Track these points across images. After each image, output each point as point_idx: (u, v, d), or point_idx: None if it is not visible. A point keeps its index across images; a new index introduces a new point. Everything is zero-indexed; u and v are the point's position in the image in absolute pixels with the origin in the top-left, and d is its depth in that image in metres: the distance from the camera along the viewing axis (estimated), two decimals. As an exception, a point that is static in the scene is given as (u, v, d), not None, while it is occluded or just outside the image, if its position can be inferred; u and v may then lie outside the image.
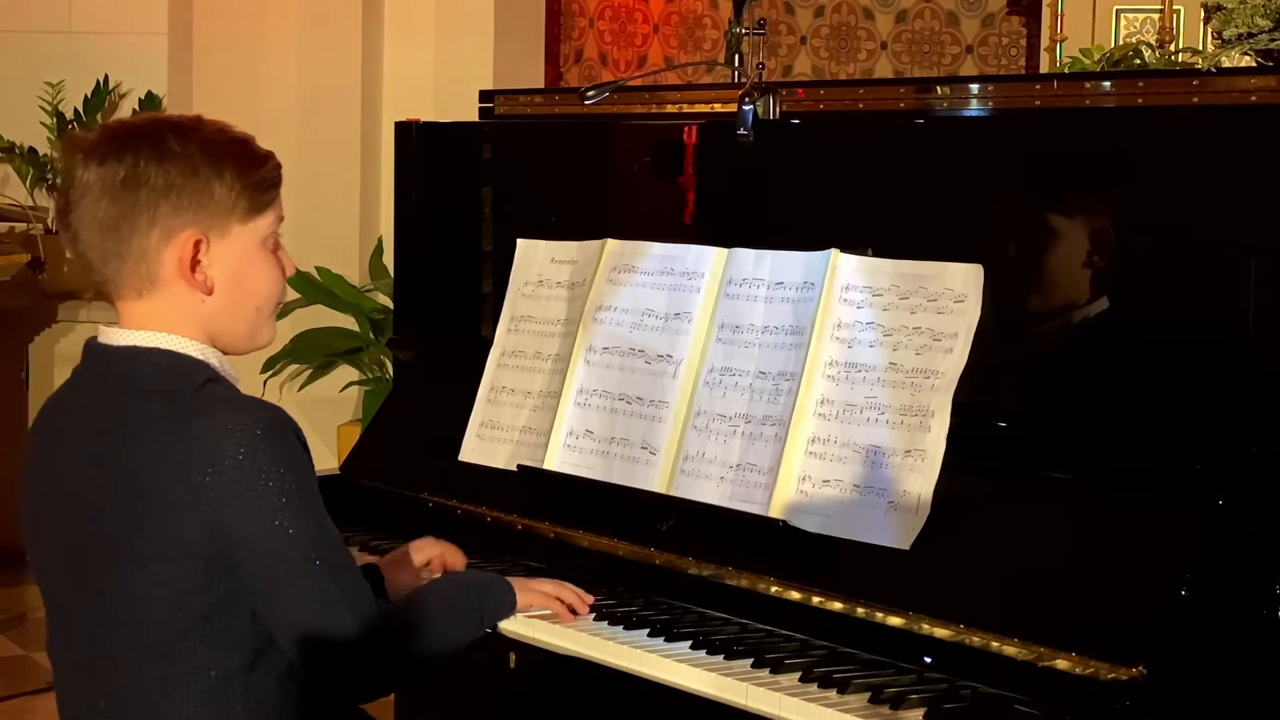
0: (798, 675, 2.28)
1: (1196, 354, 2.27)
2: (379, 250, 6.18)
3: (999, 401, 2.46)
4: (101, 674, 2.17)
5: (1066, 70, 4.25)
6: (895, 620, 2.32)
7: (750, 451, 2.60)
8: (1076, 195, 2.43)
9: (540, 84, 6.63)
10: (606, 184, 3.12)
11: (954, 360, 2.42)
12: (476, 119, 3.43)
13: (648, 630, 2.47)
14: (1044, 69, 6.15)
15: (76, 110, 6.08)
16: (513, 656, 2.63)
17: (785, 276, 2.65)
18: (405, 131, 3.39)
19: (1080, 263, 2.42)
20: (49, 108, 6.05)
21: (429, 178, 3.37)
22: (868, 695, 2.21)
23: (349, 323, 6.01)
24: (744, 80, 2.91)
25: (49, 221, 6.11)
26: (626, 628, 2.49)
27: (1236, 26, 2.94)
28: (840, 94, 2.89)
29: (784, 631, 2.44)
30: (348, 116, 6.30)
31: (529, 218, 3.13)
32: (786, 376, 2.59)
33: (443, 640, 2.36)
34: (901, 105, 2.77)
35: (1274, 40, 2.90)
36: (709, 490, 2.62)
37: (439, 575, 2.68)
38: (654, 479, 2.70)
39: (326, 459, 4.83)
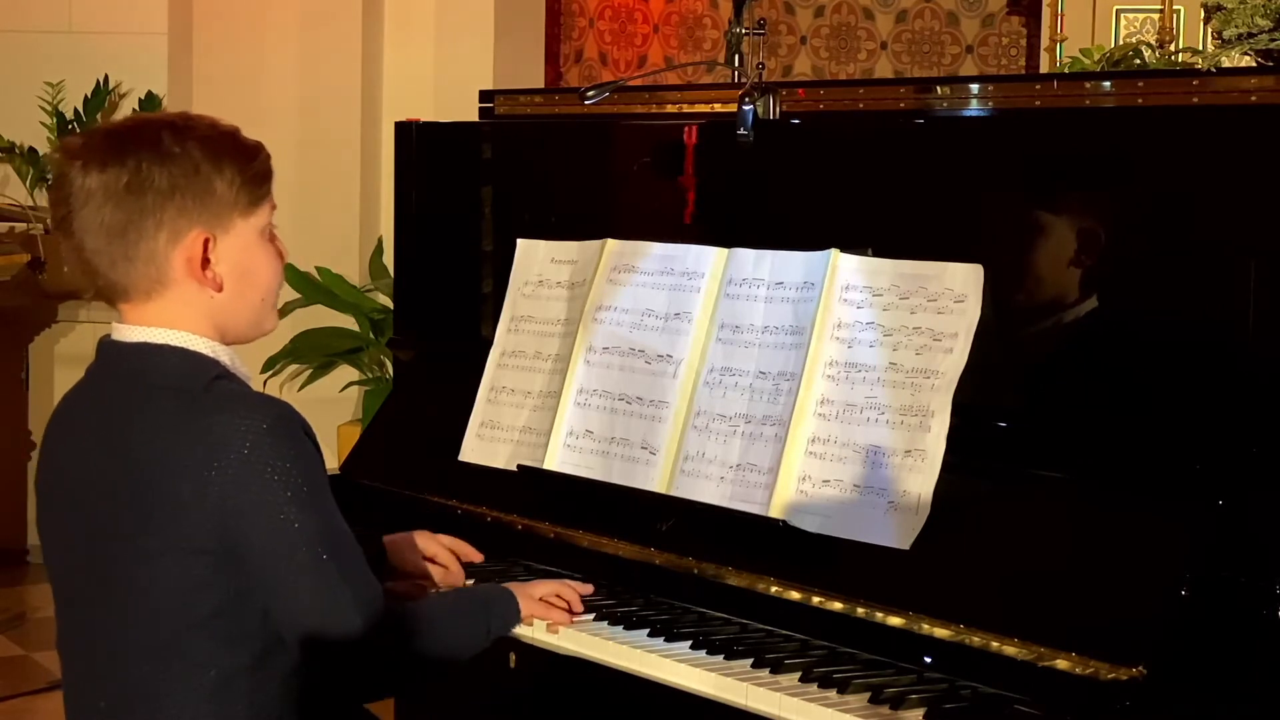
0: (798, 675, 2.28)
1: (1196, 354, 2.27)
2: (379, 250, 6.18)
3: (999, 401, 2.46)
4: (109, 668, 2.18)
5: (1066, 70, 4.25)
6: (895, 620, 2.32)
7: (750, 451, 2.60)
8: (1077, 195, 2.43)
9: (540, 84, 6.63)
10: (606, 184, 3.12)
11: (954, 360, 2.42)
12: (476, 119, 3.43)
13: (648, 630, 2.47)
14: (1044, 69, 6.15)
15: (76, 110, 6.08)
16: (513, 656, 2.63)
17: (785, 276, 2.65)
18: (405, 131, 3.39)
19: (1080, 262, 2.42)
20: (49, 108, 6.05)
21: (429, 178, 3.37)
22: (868, 695, 2.21)
23: (349, 323, 6.01)
24: (744, 80, 2.91)
25: (49, 221, 6.10)
26: (626, 628, 2.49)
27: (1236, 26, 2.94)
28: (840, 94, 2.89)
29: (784, 631, 2.44)
30: (348, 116, 6.30)
31: (529, 218, 3.13)
32: (786, 376, 2.59)
33: (447, 646, 2.37)
34: (901, 105, 2.77)
35: (1274, 40, 2.90)
36: (709, 490, 2.62)
37: (443, 568, 2.70)
38: (654, 479, 2.70)
39: (327, 459, 4.81)
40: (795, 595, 2.44)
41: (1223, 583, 2.13)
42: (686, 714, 2.36)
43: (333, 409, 5.95)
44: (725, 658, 2.36)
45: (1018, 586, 2.26)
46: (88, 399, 2.25)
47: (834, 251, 2.59)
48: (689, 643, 2.42)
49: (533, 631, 2.50)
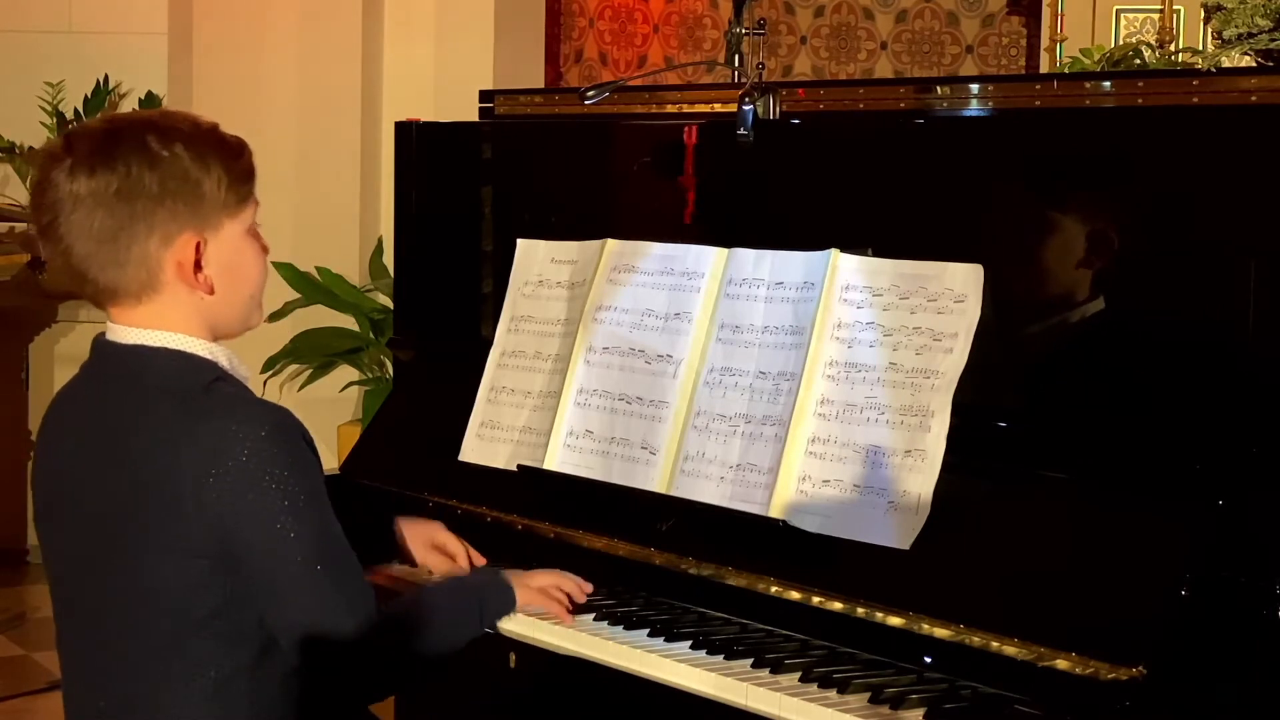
0: (798, 675, 2.28)
1: (1196, 354, 2.27)
2: (379, 250, 6.18)
3: (999, 401, 2.46)
4: (109, 669, 2.18)
5: (1066, 70, 4.25)
6: (895, 620, 2.32)
7: (750, 451, 2.60)
8: (1076, 195, 2.43)
9: (540, 84, 6.63)
10: (606, 184, 3.12)
11: (954, 360, 2.42)
12: (476, 119, 3.43)
13: (648, 630, 2.47)
14: (1044, 69, 6.15)
15: (76, 110, 6.08)
16: (513, 656, 2.63)
17: (785, 276, 2.65)
18: (405, 131, 3.39)
19: (1080, 262, 2.42)
20: (49, 108, 6.05)
21: (429, 178, 3.37)
22: (868, 695, 2.21)
23: (349, 323, 6.01)
24: (744, 80, 2.91)
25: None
26: (626, 628, 2.49)
27: (1236, 26, 2.94)
28: (840, 94, 2.89)
29: (784, 631, 2.44)
30: (348, 116, 6.30)
31: (529, 218, 3.13)
32: (786, 376, 2.59)
33: (443, 642, 2.38)
34: (901, 105, 2.77)
35: (1274, 40, 2.90)
36: (709, 490, 2.62)
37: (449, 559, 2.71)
38: (654, 479, 2.70)
39: (327, 459, 4.80)
40: (795, 595, 2.44)
41: (1223, 583, 2.13)
42: (686, 714, 2.36)
43: (333, 409, 5.95)
44: (725, 658, 2.36)
45: (1018, 586, 2.26)
46: (84, 399, 2.25)
47: (834, 251, 2.59)
48: (689, 643, 2.42)
49: (533, 631, 2.50)
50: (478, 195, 3.35)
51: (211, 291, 2.21)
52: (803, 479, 2.52)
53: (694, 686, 2.33)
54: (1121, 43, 5.97)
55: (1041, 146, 2.50)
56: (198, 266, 2.19)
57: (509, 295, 3.04)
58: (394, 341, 3.54)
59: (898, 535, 2.38)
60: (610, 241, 2.90)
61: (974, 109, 2.69)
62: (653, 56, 7.39)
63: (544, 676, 2.56)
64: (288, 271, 5.75)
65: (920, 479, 2.40)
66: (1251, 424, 2.20)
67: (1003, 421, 2.43)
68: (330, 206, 6.17)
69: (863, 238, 2.59)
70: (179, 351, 2.19)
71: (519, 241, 3.06)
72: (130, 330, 2.22)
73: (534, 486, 2.85)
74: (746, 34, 2.98)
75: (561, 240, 3.00)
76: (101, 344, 2.25)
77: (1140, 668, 2.06)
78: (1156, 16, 5.83)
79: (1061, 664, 2.13)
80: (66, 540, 2.23)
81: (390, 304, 5.18)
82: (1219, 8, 3.04)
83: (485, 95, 3.43)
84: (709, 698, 2.32)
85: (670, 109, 3.11)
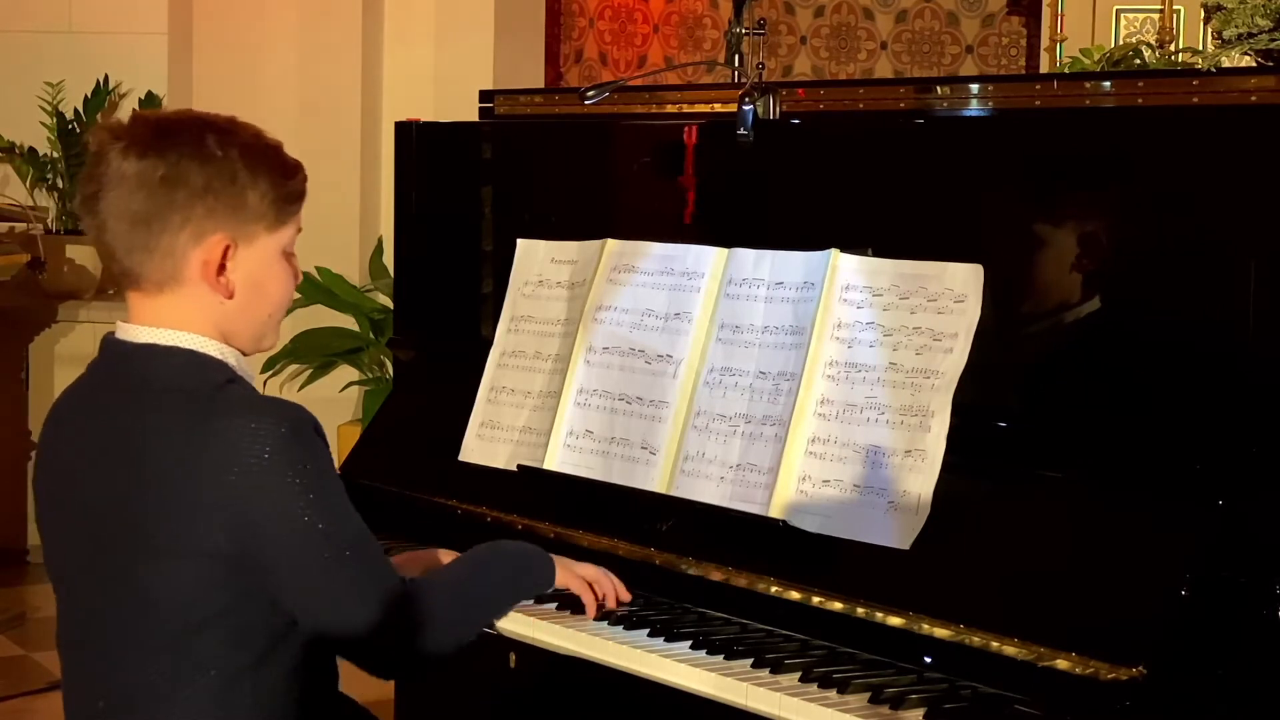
0: (798, 675, 2.28)
1: (1196, 354, 2.27)
2: (379, 250, 6.18)
3: (999, 401, 2.46)
4: (111, 667, 2.18)
5: (1066, 70, 4.25)
6: (895, 620, 2.32)
7: (750, 451, 2.60)
8: (1077, 195, 2.43)
9: (540, 84, 6.63)
10: (606, 184, 3.12)
11: (954, 360, 2.42)
12: (476, 119, 3.43)
13: (648, 630, 2.47)
14: (1044, 69, 6.15)
15: (76, 110, 6.08)
16: (513, 656, 2.64)
17: (785, 276, 2.65)
18: (405, 131, 3.39)
19: (1080, 262, 2.42)
20: (49, 108, 6.06)
21: (429, 178, 3.37)
22: (868, 695, 2.21)
23: (349, 323, 6.01)
24: (744, 80, 2.91)
25: (49, 221, 6.12)
26: (626, 628, 2.49)
27: (1236, 26, 2.94)
28: (840, 94, 2.89)
29: (784, 631, 2.44)
30: (348, 116, 6.30)
31: (529, 218, 3.13)
32: (786, 376, 2.59)
33: (480, 617, 2.41)
34: (901, 105, 2.77)
35: (1274, 40, 2.90)
36: (709, 490, 2.62)
37: None
38: (654, 479, 2.70)
39: (326, 459, 4.82)
40: (795, 595, 2.44)
41: (1223, 583, 2.13)
42: (686, 714, 2.36)
43: (333, 409, 5.94)
44: (725, 658, 2.36)
45: (1018, 586, 2.26)
46: (91, 398, 2.25)
47: (834, 251, 2.59)
48: (689, 643, 2.42)
49: (533, 631, 2.50)
50: (478, 195, 3.35)
51: (230, 296, 2.20)
52: (803, 479, 2.52)
53: (694, 686, 2.33)
54: (1121, 43, 5.97)
55: (1041, 146, 2.50)
56: (221, 268, 2.19)
57: (509, 295, 3.04)
58: (394, 341, 3.54)
59: (898, 535, 2.38)
60: (610, 241, 2.90)
61: (974, 109, 2.69)
62: (653, 56, 7.39)
63: (544, 676, 2.56)
64: (287, 271, 5.74)
65: (920, 479, 2.40)
66: (1251, 424, 2.20)
67: (1003, 421, 2.43)
68: (330, 206, 6.16)
69: (863, 238, 2.59)
70: (191, 351, 2.19)
71: (519, 241, 3.06)
72: (142, 329, 2.21)
73: (534, 486, 2.85)
74: (746, 34, 2.98)
75: (561, 240, 3.00)
76: (111, 342, 2.25)
77: (1140, 668, 2.06)
78: (1156, 16, 5.84)
79: (1061, 664, 2.13)
80: (70, 538, 2.22)
81: (390, 304, 5.19)
82: (1219, 8, 3.04)
83: (485, 95, 3.43)
84: (709, 698, 2.32)
85: (670, 109, 3.11)
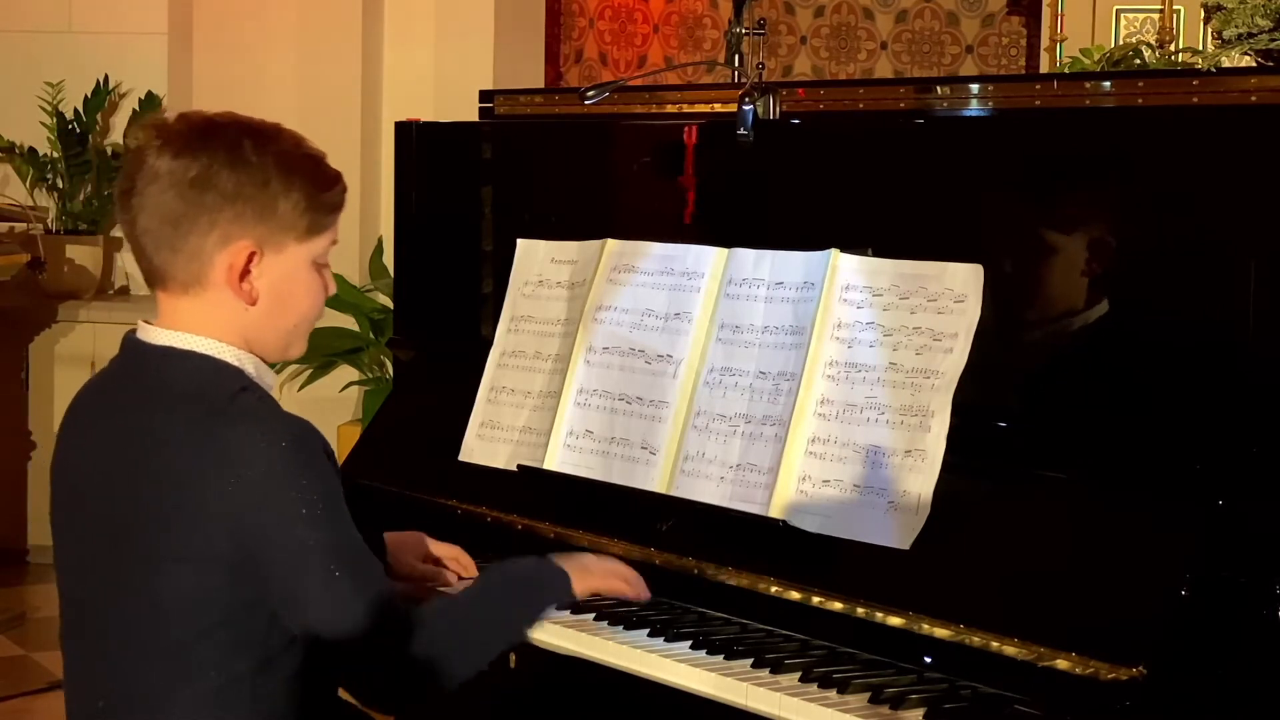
0: (798, 675, 2.28)
1: (1196, 354, 2.27)
2: (379, 250, 6.18)
3: (999, 401, 2.46)
4: (111, 668, 2.18)
5: (1066, 70, 4.25)
6: (895, 620, 2.32)
7: (750, 451, 2.60)
8: (1076, 195, 2.43)
9: (540, 84, 6.62)
10: (606, 184, 3.12)
11: (954, 360, 2.42)
12: (476, 119, 3.42)
13: (648, 630, 2.47)
14: (1044, 69, 6.15)
15: (76, 110, 6.09)
16: (513, 656, 2.63)
17: (785, 276, 2.65)
18: (405, 131, 3.39)
19: (1080, 262, 2.42)
20: (49, 108, 6.06)
21: (429, 178, 3.37)
22: (868, 695, 2.21)
23: (349, 323, 6.01)
24: (744, 80, 2.91)
25: (49, 221, 6.12)
26: (626, 628, 2.49)
27: (1236, 26, 2.94)
28: (840, 94, 2.89)
29: (784, 631, 2.44)
30: (348, 116, 6.30)
31: (529, 218, 3.13)
32: (786, 376, 2.59)
33: (487, 642, 2.34)
34: (901, 105, 2.77)
35: (1274, 40, 2.90)
36: (709, 490, 2.62)
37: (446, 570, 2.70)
38: (654, 479, 2.70)
39: (326, 459, 4.82)
40: (795, 595, 2.44)
41: (1223, 583, 2.13)
42: (686, 714, 2.36)
43: (333, 409, 5.94)
44: (725, 658, 2.36)
45: (1018, 586, 2.26)
46: (109, 397, 2.25)
47: (834, 251, 2.59)
48: (689, 643, 2.42)
49: (533, 631, 2.50)
50: (478, 195, 3.35)
51: (253, 303, 2.20)
52: (803, 479, 2.52)
53: (694, 686, 2.33)
54: (1121, 43, 5.97)
55: (1041, 146, 2.50)
56: (245, 274, 2.18)
57: (509, 295, 3.04)
58: (394, 341, 3.54)
59: (898, 535, 2.38)
60: (610, 241, 2.90)
61: (974, 109, 2.69)
62: (653, 56, 7.39)
63: (544, 676, 2.56)
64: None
65: (920, 479, 2.40)
66: (1251, 424, 2.20)
67: (1003, 421, 2.43)
68: (331, 206, 6.16)
69: (863, 238, 2.59)
70: (207, 356, 2.19)
71: (519, 241, 3.06)
72: (162, 331, 2.21)
73: (534, 486, 2.85)
74: (746, 34, 2.98)
75: (561, 240, 3.00)
76: (132, 342, 2.25)
77: (1140, 668, 2.06)
78: (1156, 16, 5.83)
79: (1061, 664, 2.13)
80: (79, 537, 2.22)
81: (390, 304, 5.18)
82: (1219, 8, 3.04)
83: (485, 95, 3.43)
84: (709, 698, 2.32)
85: (670, 109, 3.11)
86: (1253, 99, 2.32)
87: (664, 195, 2.95)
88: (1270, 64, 2.91)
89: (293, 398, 5.93)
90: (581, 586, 2.46)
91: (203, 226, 2.16)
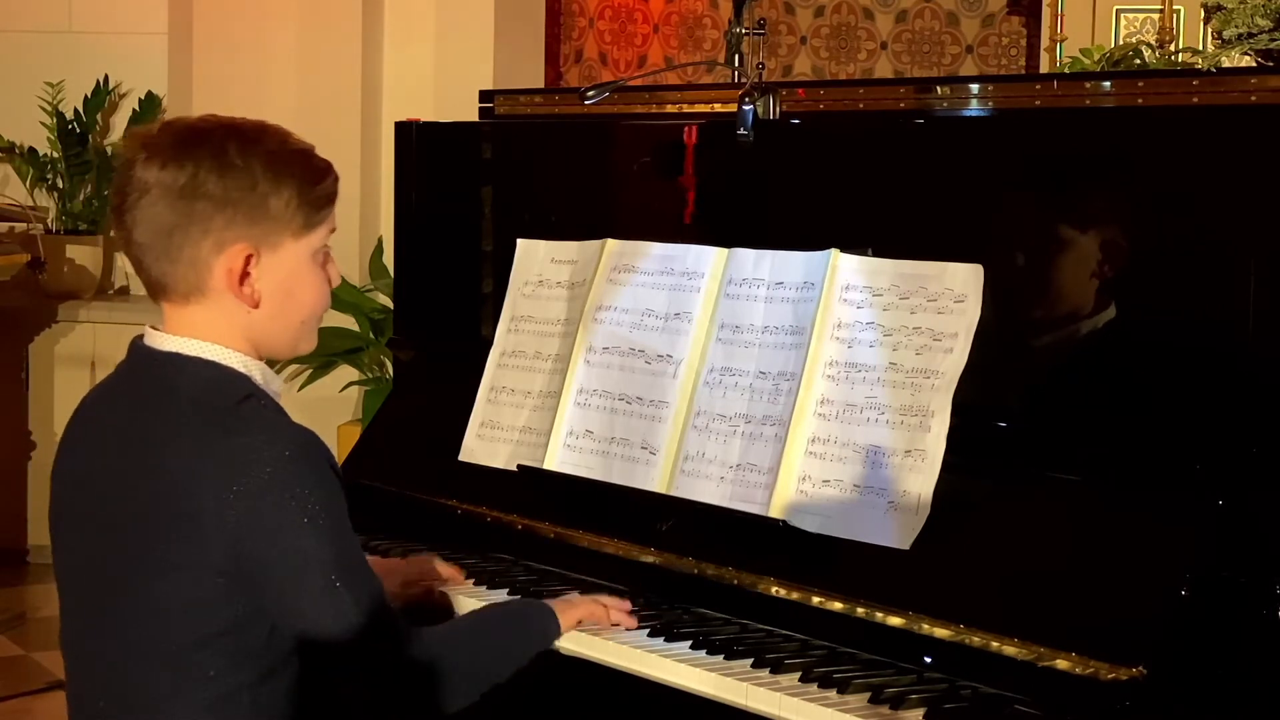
0: (798, 675, 2.28)
1: (1196, 354, 2.27)
2: (379, 250, 6.18)
3: (999, 401, 2.46)
4: (112, 672, 2.18)
5: (1066, 70, 4.25)
6: (895, 620, 2.32)
7: (750, 451, 2.60)
8: (1076, 195, 2.43)
9: (540, 84, 6.62)
10: (606, 184, 3.12)
11: (954, 360, 2.42)
12: (476, 119, 3.42)
13: (647, 630, 2.47)
14: (1044, 69, 6.15)
15: (76, 110, 6.09)
16: (513, 656, 2.63)
17: (785, 276, 2.65)
18: (405, 131, 3.39)
19: (1080, 263, 2.42)
20: (49, 108, 6.06)
21: (429, 178, 3.37)
22: (868, 695, 2.21)
23: (349, 323, 6.01)
24: (744, 80, 2.91)
25: (49, 221, 6.12)
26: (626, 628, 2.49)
27: (1236, 26, 2.94)
28: (840, 94, 2.89)
29: (784, 631, 2.44)
30: (348, 116, 6.30)
31: (529, 218, 3.13)
32: (786, 376, 2.59)
33: (476, 672, 2.35)
34: (901, 105, 2.77)
35: (1274, 40, 2.90)
36: (709, 490, 2.62)
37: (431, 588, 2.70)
38: (654, 479, 2.70)
39: (326, 459, 4.82)
40: (795, 595, 2.44)
41: (1223, 583, 2.13)
42: (686, 714, 2.36)
43: (333, 409, 5.95)
44: (725, 658, 2.36)
45: (1018, 586, 2.26)
46: (114, 402, 2.24)
47: (834, 251, 2.59)
48: (689, 643, 2.42)
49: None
50: (478, 195, 3.35)
51: (256, 305, 2.18)
52: (803, 479, 2.52)
53: (694, 686, 2.33)
54: (1121, 43, 5.97)
55: (1041, 146, 2.50)
56: (244, 277, 2.17)
57: (509, 295, 3.04)
58: (394, 341, 3.54)
59: (898, 535, 2.38)
60: (610, 241, 2.90)
61: (974, 109, 2.69)
62: (653, 56, 7.39)
63: (543, 676, 2.56)
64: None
65: (920, 479, 2.40)
66: (1251, 424, 2.20)
67: (1003, 421, 2.43)
68: (330, 206, 6.16)
69: (863, 238, 2.59)
70: (213, 363, 2.18)
71: (519, 241, 3.06)
72: (168, 337, 2.20)
73: (534, 486, 2.85)
74: (746, 34, 2.98)
75: (561, 240, 3.00)
76: (138, 348, 2.24)
77: (1140, 668, 2.07)
78: (1156, 16, 5.83)
79: (1061, 664, 2.13)
80: (81, 543, 2.22)
81: (390, 304, 5.18)
82: (1219, 8, 3.04)
83: (485, 95, 3.43)
84: (709, 698, 2.31)
85: (670, 109, 3.11)
86: (1253, 99, 2.32)
87: (664, 195, 2.95)
88: (1270, 64, 2.91)
89: (293, 398, 5.92)
90: (566, 620, 2.48)
91: (196, 234, 2.14)
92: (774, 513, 2.51)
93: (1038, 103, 2.58)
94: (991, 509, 2.37)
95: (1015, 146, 2.54)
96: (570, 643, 2.48)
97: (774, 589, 2.46)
